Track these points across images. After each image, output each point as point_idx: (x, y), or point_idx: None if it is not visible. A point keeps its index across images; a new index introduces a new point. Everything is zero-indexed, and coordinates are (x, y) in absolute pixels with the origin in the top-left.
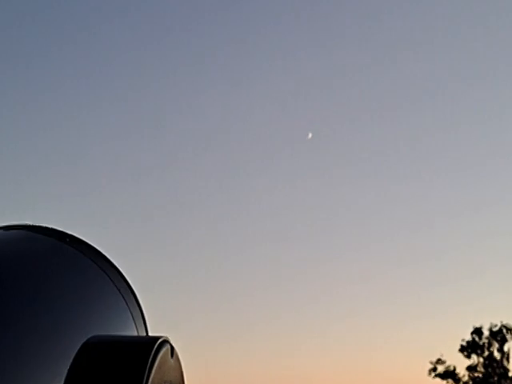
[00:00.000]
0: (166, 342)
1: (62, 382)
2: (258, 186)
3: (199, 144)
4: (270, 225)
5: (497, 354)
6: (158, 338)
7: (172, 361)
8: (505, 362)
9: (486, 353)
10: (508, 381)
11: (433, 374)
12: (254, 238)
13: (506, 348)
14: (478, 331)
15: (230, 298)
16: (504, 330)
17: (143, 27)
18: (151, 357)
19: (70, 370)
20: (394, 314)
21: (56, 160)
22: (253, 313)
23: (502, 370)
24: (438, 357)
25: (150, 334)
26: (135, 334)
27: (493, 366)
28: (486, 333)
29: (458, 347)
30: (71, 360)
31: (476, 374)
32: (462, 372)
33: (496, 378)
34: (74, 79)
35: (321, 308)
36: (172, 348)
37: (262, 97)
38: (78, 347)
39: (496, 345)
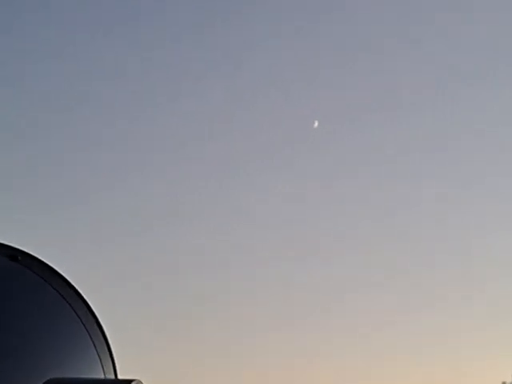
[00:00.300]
0: None
1: None
2: (257, 186)
3: (194, 141)
4: (271, 231)
5: None
6: (129, 381)
7: None
8: None
9: None
10: None
11: None
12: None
13: None
14: None
15: (216, 336)
16: None
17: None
18: None
19: None
20: (422, 353)
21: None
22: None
23: None
24: None
25: (119, 376)
26: (101, 376)
27: None
28: None
29: None
30: None
31: None
32: None
33: None
34: (61, 71)
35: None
36: None
37: (264, 86)
38: None
39: None
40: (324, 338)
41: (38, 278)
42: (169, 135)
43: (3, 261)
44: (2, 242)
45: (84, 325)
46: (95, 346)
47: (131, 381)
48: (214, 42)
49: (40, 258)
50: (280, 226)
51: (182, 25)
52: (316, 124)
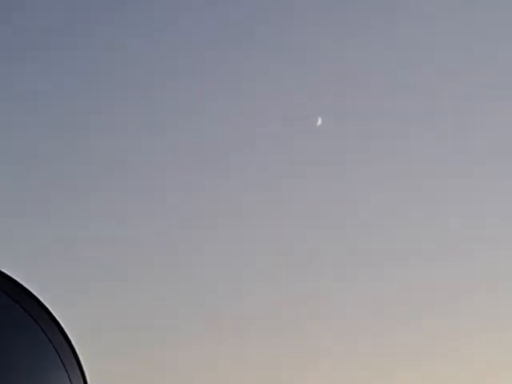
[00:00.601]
0: None
1: None
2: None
3: (193, 140)
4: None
5: None
6: None
7: None
8: None
9: None
10: None
11: None
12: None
13: None
14: None
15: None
16: None
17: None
18: None
19: None
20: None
21: None
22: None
23: None
24: None
25: None
26: None
27: None
28: None
29: None
30: None
31: None
32: None
33: None
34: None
35: None
36: None
37: (265, 85)
38: None
39: None
40: (326, 343)
41: (6, 297)
42: (168, 136)
43: None
44: None
45: (51, 342)
46: (64, 365)
47: None
48: (214, 39)
49: (9, 274)
50: (280, 227)
51: (181, 26)
52: (320, 121)
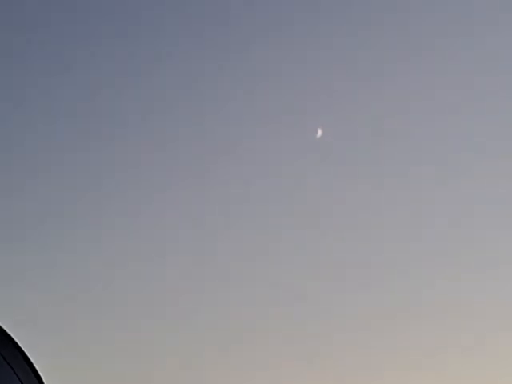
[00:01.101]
0: None
1: None
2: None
3: (193, 154)
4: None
5: None
6: None
7: None
8: None
9: None
10: None
11: None
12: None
13: None
14: None
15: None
16: None
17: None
18: None
19: None
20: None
21: None
22: None
23: None
24: None
25: None
26: None
27: None
28: None
29: None
30: None
31: None
32: None
33: None
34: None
35: None
36: None
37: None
38: None
39: None
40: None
41: None
42: (169, 152)
43: None
44: None
45: (6, 360)
46: (13, 370)
47: None
48: (213, 48)
49: None
50: (280, 239)
51: (182, 32)
52: (319, 133)
